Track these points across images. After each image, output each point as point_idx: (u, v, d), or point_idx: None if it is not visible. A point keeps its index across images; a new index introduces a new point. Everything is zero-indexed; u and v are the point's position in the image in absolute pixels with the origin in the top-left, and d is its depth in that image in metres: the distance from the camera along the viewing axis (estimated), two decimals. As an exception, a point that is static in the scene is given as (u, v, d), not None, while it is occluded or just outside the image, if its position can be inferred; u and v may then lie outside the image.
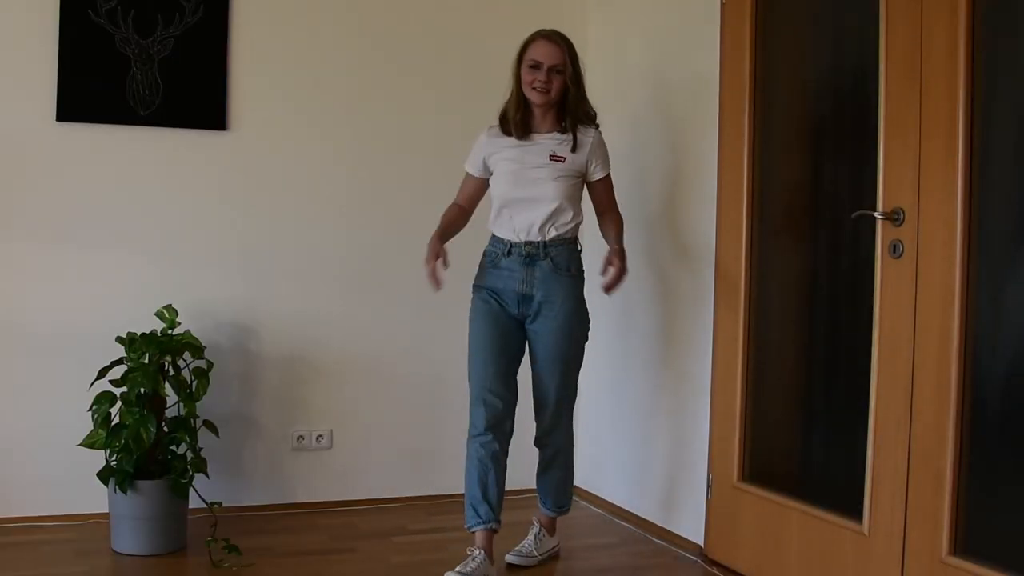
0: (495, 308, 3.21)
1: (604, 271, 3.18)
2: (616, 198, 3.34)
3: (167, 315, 3.46)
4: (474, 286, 3.27)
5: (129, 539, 3.31)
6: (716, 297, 3.39)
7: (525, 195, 3.18)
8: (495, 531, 3.18)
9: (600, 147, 3.26)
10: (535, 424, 3.32)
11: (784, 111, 3.21)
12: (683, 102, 3.63)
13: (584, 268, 3.30)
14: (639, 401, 3.88)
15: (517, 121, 3.21)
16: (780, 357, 3.23)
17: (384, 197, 4.02)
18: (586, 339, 3.31)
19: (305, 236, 3.93)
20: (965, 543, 2.48)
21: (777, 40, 3.21)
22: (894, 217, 2.65)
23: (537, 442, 3.35)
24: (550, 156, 3.18)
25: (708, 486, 3.40)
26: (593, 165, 3.24)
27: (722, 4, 3.35)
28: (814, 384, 3.15)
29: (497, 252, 3.22)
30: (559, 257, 3.19)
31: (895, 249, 2.65)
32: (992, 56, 2.45)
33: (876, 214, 2.69)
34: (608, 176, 3.30)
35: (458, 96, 4.09)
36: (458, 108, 4.05)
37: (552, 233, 3.17)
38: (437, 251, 3.08)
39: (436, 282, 3.06)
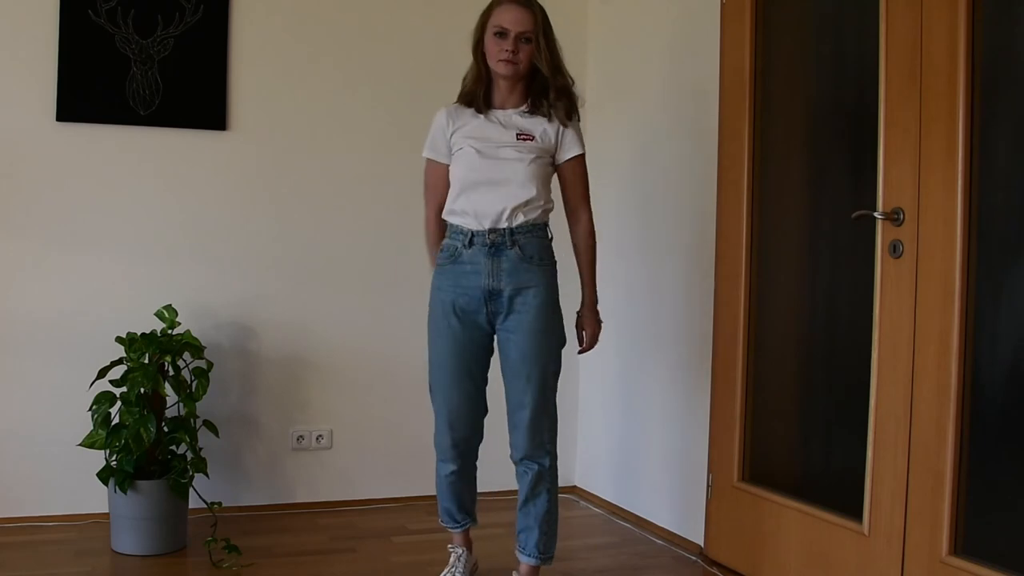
0: (458, 319, 2.86)
1: (578, 335, 3.00)
2: (589, 191, 2.96)
3: (167, 315, 3.46)
4: (433, 287, 2.92)
5: (129, 539, 3.31)
6: (716, 297, 3.39)
7: (489, 177, 2.82)
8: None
9: (574, 124, 2.90)
10: (510, 443, 2.93)
11: (784, 111, 3.21)
12: (683, 102, 3.63)
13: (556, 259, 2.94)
14: (639, 401, 3.88)
15: (479, 95, 2.87)
16: (780, 357, 3.23)
17: (385, 197, 4.02)
18: (563, 340, 2.92)
19: (305, 236, 3.92)
20: (965, 543, 2.48)
21: (777, 40, 3.21)
22: (894, 217, 2.65)
23: (517, 462, 2.93)
24: (517, 135, 2.84)
25: (708, 486, 3.40)
26: (564, 143, 2.87)
27: (722, 4, 3.35)
28: (814, 384, 3.15)
29: (456, 245, 2.86)
30: (528, 245, 2.83)
31: (895, 249, 2.65)
32: (992, 56, 2.46)
33: (876, 214, 2.69)
34: (581, 157, 2.91)
35: (459, 96, 4.08)
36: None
37: (520, 219, 2.81)
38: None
39: None
